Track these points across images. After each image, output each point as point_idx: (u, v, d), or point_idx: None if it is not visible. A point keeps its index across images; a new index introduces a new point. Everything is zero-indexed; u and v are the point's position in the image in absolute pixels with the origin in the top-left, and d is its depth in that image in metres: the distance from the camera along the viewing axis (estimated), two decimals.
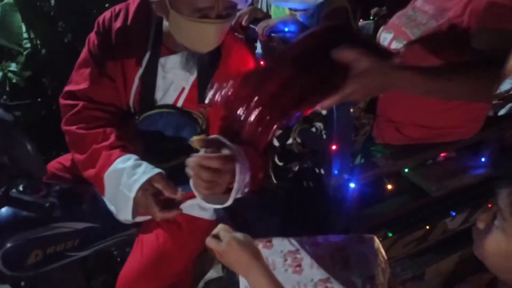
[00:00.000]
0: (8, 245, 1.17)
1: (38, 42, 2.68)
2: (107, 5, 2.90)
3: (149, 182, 1.06)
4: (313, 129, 1.43)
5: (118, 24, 1.22)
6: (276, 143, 1.47)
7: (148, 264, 1.28)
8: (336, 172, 1.10)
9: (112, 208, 1.37)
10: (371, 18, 2.37)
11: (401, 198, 1.35)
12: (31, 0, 2.68)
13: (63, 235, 1.25)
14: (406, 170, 1.32)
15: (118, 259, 1.50)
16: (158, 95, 1.24)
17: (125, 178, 1.07)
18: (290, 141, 1.50)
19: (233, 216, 1.36)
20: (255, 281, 0.79)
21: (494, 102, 1.86)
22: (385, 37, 1.32)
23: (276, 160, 1.47)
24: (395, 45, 1.25)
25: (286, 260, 0.91)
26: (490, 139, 1.47)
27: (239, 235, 0.84)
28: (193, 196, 1.38)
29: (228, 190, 0.99)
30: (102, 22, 1.24)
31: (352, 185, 1.12)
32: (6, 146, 0.91)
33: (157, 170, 1.09)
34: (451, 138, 1.30)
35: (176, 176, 1.30)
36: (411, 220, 1.39)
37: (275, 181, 1.45)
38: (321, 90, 0.75)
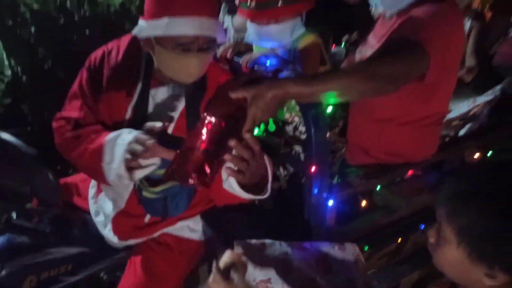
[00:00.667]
0: (3, 272, 1.20)
1: (19, 69, 2.71)
2: (87, 31, 2.98)
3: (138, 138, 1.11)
4: (293, 152, 1.54)
5: (110, 61, 1.30)
6: None
7: (141, 285, 1.34)
8: (316, 191, 1.21)
9: (101, 230, 1.42)
10: (343, 44, 2.56)
11: (375, 214, 1.47)
12: (12, 27, 2.72)
13: (57, 260, 1.29)
14: (378, 188, 1.45)
15: (107, 283, 1.54)
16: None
17: (125, 132, 1.15)
18: None
19: (220, 235, 1.44)
20: None
21: (454, 124, 2.04)
22: None
23: None
24: None
25: (277, 261, 1.00)
26: (451, 157, 1.63)
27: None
28: (183, 218, 1.46)
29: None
30: (94, 59, 1.32)
31: (330, 203, 1.24)
32: (29, 177, 0.97)
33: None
34: (413, 159, 1.44)
35: (165, 199, 1.38)
36: (385, 234, 1.51)
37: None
38: (237, 127, 0.92)
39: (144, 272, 1.36)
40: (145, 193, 1.35)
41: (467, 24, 2.32)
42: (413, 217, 1.53)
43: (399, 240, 1.52)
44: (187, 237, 1.48)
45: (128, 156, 1.10)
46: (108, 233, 1.45)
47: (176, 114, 1.31)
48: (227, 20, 2.07)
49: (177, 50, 1.17)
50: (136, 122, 1.31)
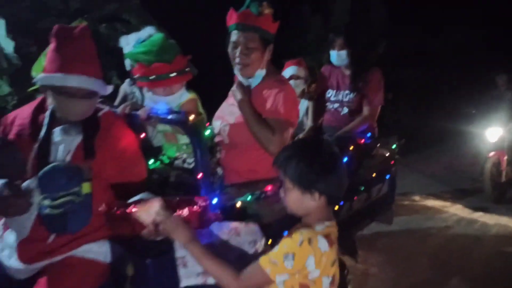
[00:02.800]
0: None
1: None
2: None
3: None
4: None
5: (18, 118, 1.72)
6: None
7: None
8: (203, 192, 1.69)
9: (7, 263, 1.55)
10: None
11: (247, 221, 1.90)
12: None
13: None
14: (249, 198, 1.92)
15: None
16: (51, 157, 1.62)
17: None
18: None
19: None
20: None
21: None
22: None
23: None
24: None
25: None
26: None
27: None
28: (91, 241, 1.64)
29: None
30: (5, 118, 1.72)
31: (215, 200, 1.71)
32: None
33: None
34: (268, 176, 1.93)
35: (66, 215, 1.56)
36: None
37: None
38: None
39: None
40: (47, 211, 1.52)
41: (305, 103, 3.36)
42: (276, 223, 2.00)
43: (269, 242, 1.96)
44: (92, 259, 1.65)
45: None
46: (13, 262, 1.56)
47: (72, 147, 1.64)
48: (133, 89, 2.48)
49: (65, 96, 1.60)
50: (39, 157, 1.61)
